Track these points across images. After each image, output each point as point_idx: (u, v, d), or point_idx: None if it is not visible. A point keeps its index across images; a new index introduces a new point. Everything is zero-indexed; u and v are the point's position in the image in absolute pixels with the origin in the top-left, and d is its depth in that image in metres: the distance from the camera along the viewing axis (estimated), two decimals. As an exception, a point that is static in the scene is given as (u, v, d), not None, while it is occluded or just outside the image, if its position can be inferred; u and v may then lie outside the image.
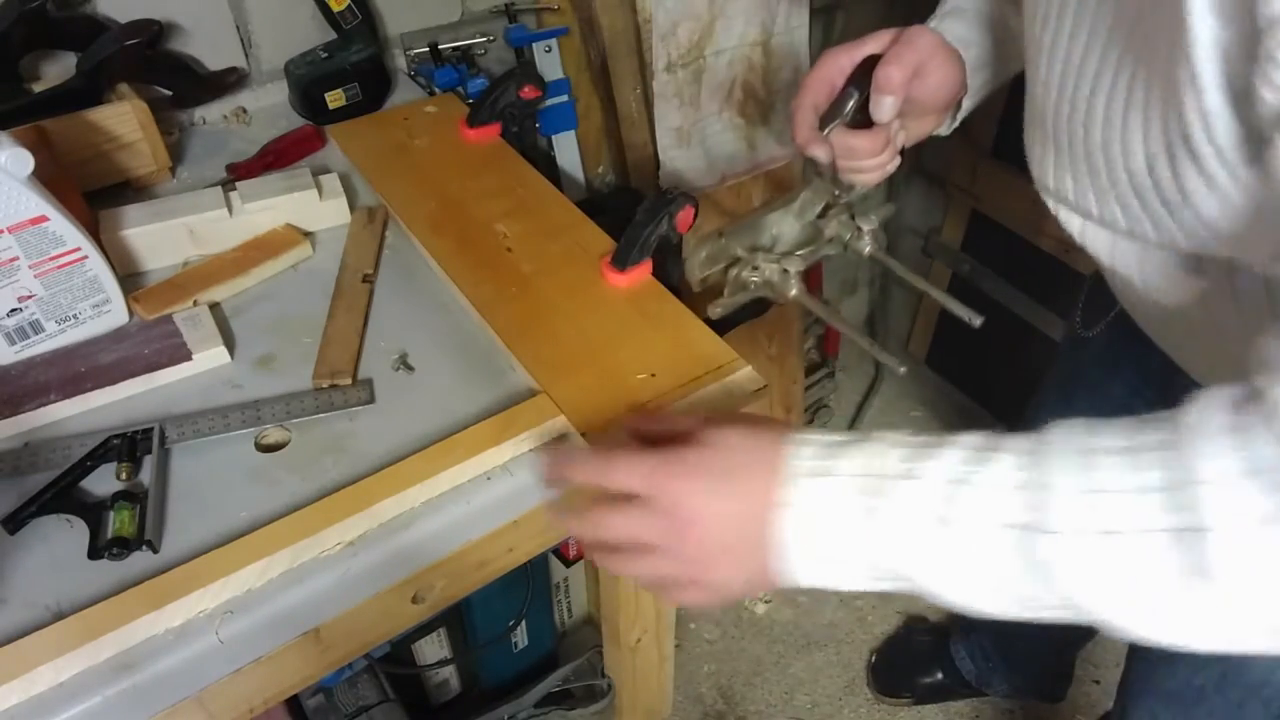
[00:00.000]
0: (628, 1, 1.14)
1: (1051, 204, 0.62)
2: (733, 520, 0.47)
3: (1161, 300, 0.62)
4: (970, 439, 0.45)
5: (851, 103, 0.63)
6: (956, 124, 0.75)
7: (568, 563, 1.38)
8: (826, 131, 0.63)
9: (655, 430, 0.52)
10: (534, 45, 1.19)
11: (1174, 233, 0.52)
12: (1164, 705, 0.84)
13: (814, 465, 0.46)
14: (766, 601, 1.66)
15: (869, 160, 0.66)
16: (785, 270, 0.72)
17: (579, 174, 1.30)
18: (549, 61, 1.21)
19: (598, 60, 1.20)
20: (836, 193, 0.74)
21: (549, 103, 1.21)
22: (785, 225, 0.75)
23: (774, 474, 0.46)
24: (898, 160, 0.68)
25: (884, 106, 0.62)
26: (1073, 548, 0.41)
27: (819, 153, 0.65)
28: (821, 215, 0.75)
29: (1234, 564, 0.38)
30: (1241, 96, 0.42)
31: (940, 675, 1.49)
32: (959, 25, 0.71)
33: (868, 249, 0.75)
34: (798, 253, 0.74)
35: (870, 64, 0.64)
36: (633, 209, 0.80)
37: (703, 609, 1.60)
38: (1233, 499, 0.38)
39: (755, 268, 0.72)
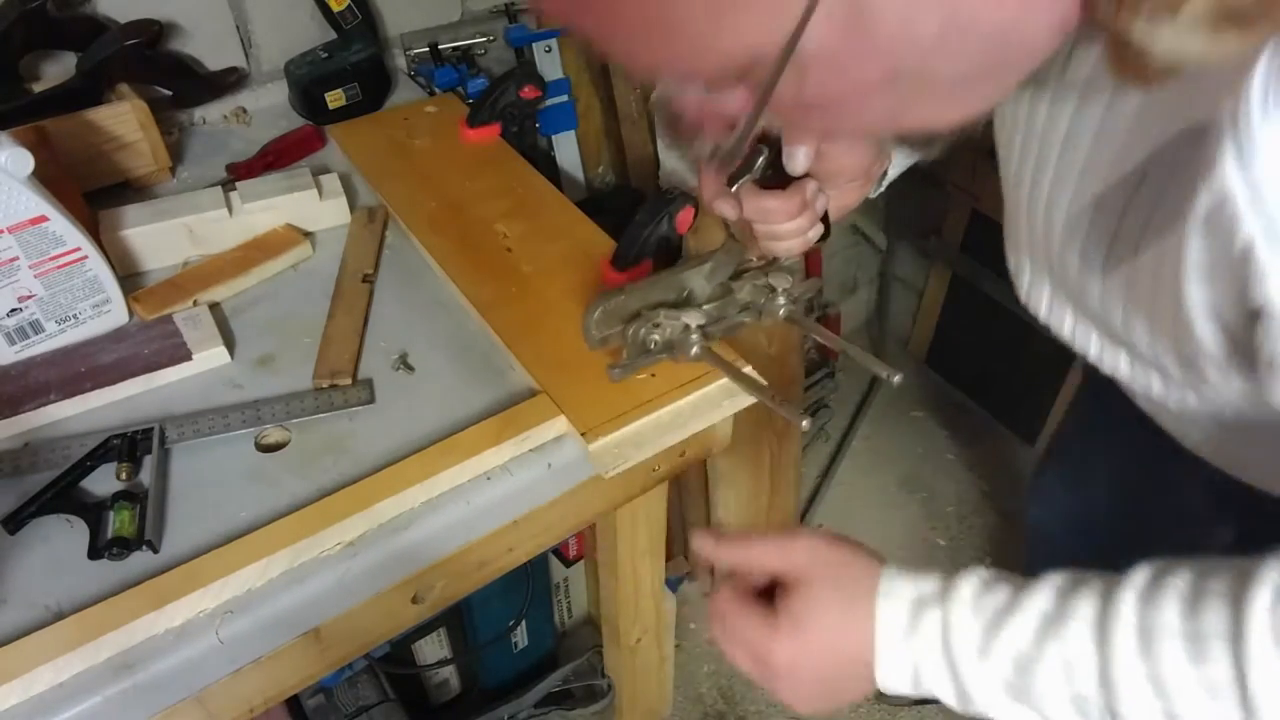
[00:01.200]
0: (628, 1, 1.14)
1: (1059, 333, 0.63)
2: (821, 673, 0.54)
3: (1176, 412, 0.64)
4: (1042, 600, 0.49)
5: (761, 159, 0.59)
6: (882, 189, 0.73)
7: (568, 563, 1.38)
8: (734, 187, 0.60)
9: (753, 568, 0.58)
10: (534, 45, 1.19)
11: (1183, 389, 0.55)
12: None
13: (902, 624, 0.52)
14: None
15: (786, 224, 0.62)
16: (686, 325, 0.67)
17: (579, 174, 1.30)
18: (549, 61, 1.21)
19: (598, 60, 1.20)
20: (753, 259, 0.70)
21: (549, 103, 1.21)
22: (696, 284, 0.70)
23: (865, 635, 0.53)
24: (820, 229, 0.65)
25: (796, 158, 0.59)
26: None
27: (726, 208, 0.62)
28: (735, 278, 0.70)
29: None
30: (1235, 332, 0.45)
31: (941, 675, 1.49)
32: None
33: (782, 311, 0.70)
34: (704, 307, 0.69)
35: None
36: (633, 209, 0.80)
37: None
38: None
39: (656, 325, 0.67)
